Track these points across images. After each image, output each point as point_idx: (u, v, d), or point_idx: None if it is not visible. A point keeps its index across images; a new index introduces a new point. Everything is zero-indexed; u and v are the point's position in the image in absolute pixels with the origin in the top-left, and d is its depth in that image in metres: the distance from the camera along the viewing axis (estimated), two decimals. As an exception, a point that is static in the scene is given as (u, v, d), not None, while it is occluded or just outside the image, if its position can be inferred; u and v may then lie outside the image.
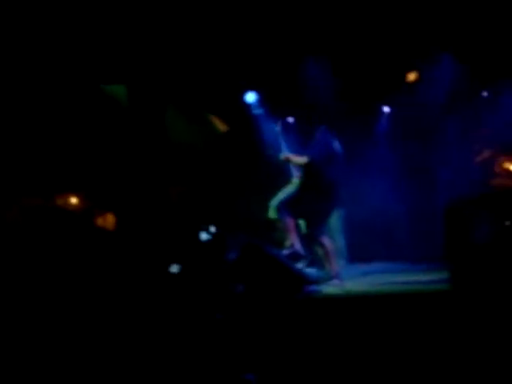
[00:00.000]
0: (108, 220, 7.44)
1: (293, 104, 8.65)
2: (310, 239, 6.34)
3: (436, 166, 8.36)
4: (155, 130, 6.96)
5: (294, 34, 7.90)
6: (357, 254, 8.50)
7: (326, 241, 6.32)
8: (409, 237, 8.40)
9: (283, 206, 6.34)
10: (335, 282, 6.20)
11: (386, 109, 8.98)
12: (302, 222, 6.43)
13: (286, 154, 6.50)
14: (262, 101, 8.78)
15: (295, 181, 6.53)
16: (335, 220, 8.34)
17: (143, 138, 6.81)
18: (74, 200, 7.64)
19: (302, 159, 6.38)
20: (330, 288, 5.91)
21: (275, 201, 6.46)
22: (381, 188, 8.70)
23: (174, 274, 4.55)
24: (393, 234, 8.60)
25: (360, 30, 7.66)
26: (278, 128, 6.71)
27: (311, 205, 6.27)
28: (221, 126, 8.16)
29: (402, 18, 7.41)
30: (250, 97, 8.72)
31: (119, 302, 4.58)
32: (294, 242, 6.29)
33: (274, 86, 8.52)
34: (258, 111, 8.73)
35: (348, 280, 6.36)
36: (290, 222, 6.30)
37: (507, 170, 7.49)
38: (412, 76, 8.41)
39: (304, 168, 6.40)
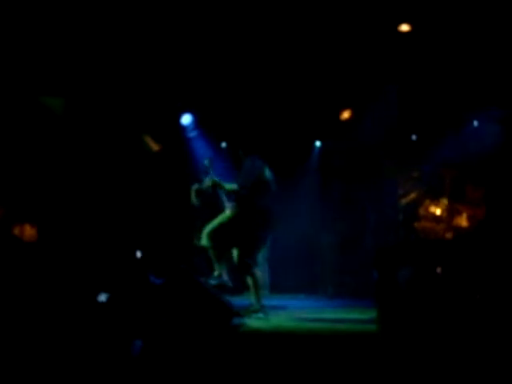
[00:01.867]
0: (25, 231, 7.13)
1: (227, 129, 8.65)
2: (243, 269, 6.26)
3: (365, 204, 8.52)
4: (87, 144, 6.76)
5: (231, 61, 7.91)
6: (280, 285, 8.52)
7: (257, 271, 6.26)
8: (333, 271, 8.49)
9: (216, 234, 6.24)
10: (260, 315, 6.15)
11: (318, 143, 9.13)
12: (234, 251, 6.33)
13: (213, 178, 6.35)
14: (197, 123, 8.72)
15: (228, 210, 6.44)
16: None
17: (74, 151, 6.59)
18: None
19: (231, 185, 6.33)
20: (256, 321, 5.83)
21: (208, 228, 6.32)
22: (308, 220, 8.78)
23: (101, 303, 4.36)
24: (317, 267, 8.67)
25: (301, 65, 7.75)
26: (206, 163, 6.55)
27: (246, 233, 6.20)
28: (154, 146, 8.01)
29: (344, 58, 7.56)
30: (186, 119, 8.64)
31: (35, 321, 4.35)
32: (222, 272, 6.20)
33: (211, 110, 8.49)
34: (192, 134, 8.66)
35: (273, 313, 6.31)
36: (220, 250, 6.22)
37: (432, 214, 7.72)
38: (346, 114, 8.58)
39: (235, 196, 6.34)
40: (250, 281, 6.25)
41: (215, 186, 6.41)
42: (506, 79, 7.11)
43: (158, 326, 5.03)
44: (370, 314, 5.74)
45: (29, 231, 7.00)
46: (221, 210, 7.08)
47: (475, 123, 8.01)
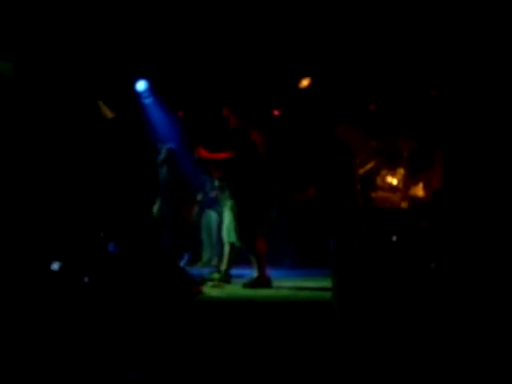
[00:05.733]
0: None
1: (185, 96, 8.50)
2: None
3: (320, 172, 8.46)
4: (39, 112, 6.52)
5: (187, 26, 7.72)
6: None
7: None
8: (285, 241, 8.48)
9: (254, 234, 6.07)
10: (215, 282, 6.12)
11: (276, 112, 9.02)
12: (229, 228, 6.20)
13: (201, 150, 6.07)
14: (152, 90, 8.53)
15: (229, 199, 6.19)
16: (214, 218, 8.30)
17: (26, 120, 6.35)
18: None
19: (224, 154, 6.07)
20: (213, 290, 5.80)
21: (232, 228, 6.09)
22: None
23: (54, 272, 4.23)
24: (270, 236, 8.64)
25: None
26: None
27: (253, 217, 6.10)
28: (108, 113, 7.78)
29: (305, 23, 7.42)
30: (141, 85, 8.44)
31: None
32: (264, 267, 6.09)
33: (167, 76, 8.31)
34: (148, 100, 8.47)
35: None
36: (262, 245, 6.11)
37: (389, 184, 7.72)
38: (305, 82, 8.47)
39: (233, 166, 6.07)
40: (226, 249, 6.20)
41: (205, 158, 6.15)
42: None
43: (117, 294, 4.94)
44: (327, 283, 5.79)
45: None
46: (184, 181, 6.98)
47: (433, 93, 8.01)
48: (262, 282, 5.98)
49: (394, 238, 4.83)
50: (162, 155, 7.92)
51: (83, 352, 3.62)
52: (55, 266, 4.18)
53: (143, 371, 3.55)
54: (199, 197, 8.41)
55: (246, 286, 6.00)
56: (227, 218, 6.16)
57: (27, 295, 4.06)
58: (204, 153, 6.07)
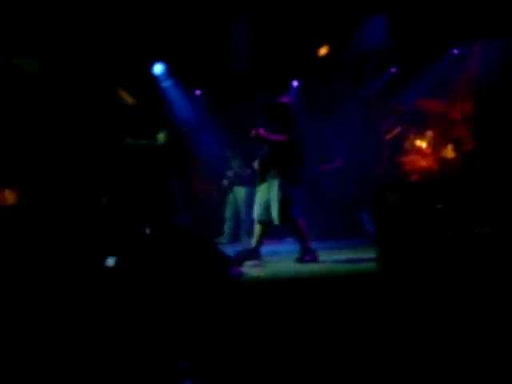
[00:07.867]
0: (5, 196, 6.87)
1: (202, 75, 8.41)
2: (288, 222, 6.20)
3: (346, 141, 8.37)
4: (64, 105, 6.47)
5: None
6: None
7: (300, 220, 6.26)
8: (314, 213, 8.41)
9: (291, 211, 6.06)
10: (255, 262, 6.07)
11: (295, 83, 8.89)
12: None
13: (261, 130, 6.06)
14: (169, 73, 8.45)
15: (274, 179, 6.10)
16: (243, 194, 8.26)
17: (52, 113, 6.31)
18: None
19: (278, 137, 6.08)
20: (253, 270, 5.74)
21: (276, 209, 6.03)
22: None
23: (109, 268, 4.20)
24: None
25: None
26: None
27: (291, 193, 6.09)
28: (129, 99, 7.73)
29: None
30: (158, 68, 8.36)
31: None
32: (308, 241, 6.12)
33: (183, 58, 8.21)
34: (166, 83, 8.39)
35: (266, 259, 6.24)
36: (302, 223, 6.13)
37: (418, 147, 7.66)
38: (323, 50, 8.36)
39: (279, 147, 6.07)
40: (295, 230, 6.19)
41: (261, 138, 6.09)
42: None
43: (156, 279, 4.92)
44: (364, 253, 5.82)
45: (9, 196, 6.75)
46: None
47: (455, 51, 7.86)
48: (312, 255, 6.06)
49: (440, 206, 4.76)
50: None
51: (133, 342, 3.60)
52: (110, 261, 4.15)
53: (193, 360, 3.52)
54: (230, 173, 8.39)
55: (298, 261, 6.04)
56: (265, 196, 6.16)
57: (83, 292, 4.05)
58: (263, 132, 6.08)
